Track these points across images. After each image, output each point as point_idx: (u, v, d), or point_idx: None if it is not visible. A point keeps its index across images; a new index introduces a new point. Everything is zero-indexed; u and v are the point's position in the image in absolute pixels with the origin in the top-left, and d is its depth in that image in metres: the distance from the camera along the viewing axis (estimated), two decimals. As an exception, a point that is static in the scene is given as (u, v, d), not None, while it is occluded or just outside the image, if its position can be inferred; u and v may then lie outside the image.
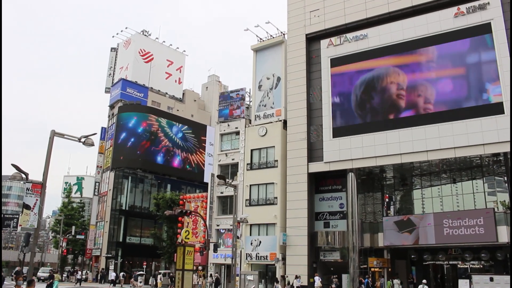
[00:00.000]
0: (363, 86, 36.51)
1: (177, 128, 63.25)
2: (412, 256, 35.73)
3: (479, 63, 32.14)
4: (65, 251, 60.71)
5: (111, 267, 52.75)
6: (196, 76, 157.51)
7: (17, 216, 70.59)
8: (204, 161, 64.46)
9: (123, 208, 57.68)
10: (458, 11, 33.29)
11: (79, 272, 52.15)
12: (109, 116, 65.65)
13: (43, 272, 56.20)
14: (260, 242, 38.58)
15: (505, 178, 31.96)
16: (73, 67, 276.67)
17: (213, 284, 39.18)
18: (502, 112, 30.33)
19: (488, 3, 32.30)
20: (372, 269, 35.34)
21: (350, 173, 35.63)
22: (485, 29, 32.17)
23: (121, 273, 49.82)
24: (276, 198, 38.87)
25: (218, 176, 30.38)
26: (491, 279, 28.80)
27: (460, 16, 33.22)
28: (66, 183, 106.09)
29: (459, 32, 33.14)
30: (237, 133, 44.19)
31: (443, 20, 33.81)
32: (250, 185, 40.88)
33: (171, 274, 44.08)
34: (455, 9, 33.46)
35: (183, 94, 72.60)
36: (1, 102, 20.82)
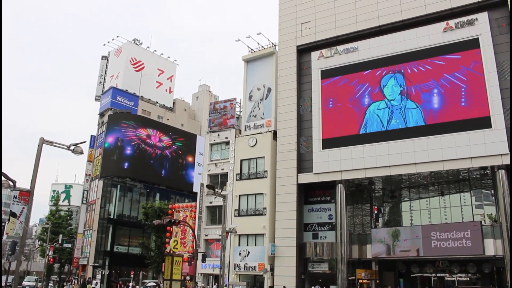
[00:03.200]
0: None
1: (167, 137, 63.11)
2: (400, 268, 35.83)
3: (468, 77, 32.61)
4: (51, 259, 59.93)
5: (98, 276, 52.11)
6: (187, 85, 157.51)
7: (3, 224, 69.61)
8: (193, 170, 64.26)
9: (111, 216, 57.18)
10: (447, 26, 33.81)
11: (93, 281, 48.46)
12: (98, 124, 65.32)
13: (28, 281, 55.47)
14: (248, 252, 38.47)
15: (492, 191, 32.28)
16: (63, 74, 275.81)
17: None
18: (489, 126, 30.73)
19: (476, 19, 32.86)
20: (360, 281, 35.39)
21: (339, 185, 35.76)
22: (473, 44, 32.69)
23: (94, 281, 48.00)
24: (265, 208, 38.85)
25: (208, 186, 30.40)
26: (478, 292, 28.99)
27: (449, 31, 33.74)
28: (54, 191, 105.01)
29: (448, 47, 33.63)
30: (227, 143, 44.26)
31: (432, 35, 34.31)
32: (239, 195, 40.84)
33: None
34: (444, 24, 34.00)
35: (174, 103, 72.45)
36: (1, 118, 20.60)
